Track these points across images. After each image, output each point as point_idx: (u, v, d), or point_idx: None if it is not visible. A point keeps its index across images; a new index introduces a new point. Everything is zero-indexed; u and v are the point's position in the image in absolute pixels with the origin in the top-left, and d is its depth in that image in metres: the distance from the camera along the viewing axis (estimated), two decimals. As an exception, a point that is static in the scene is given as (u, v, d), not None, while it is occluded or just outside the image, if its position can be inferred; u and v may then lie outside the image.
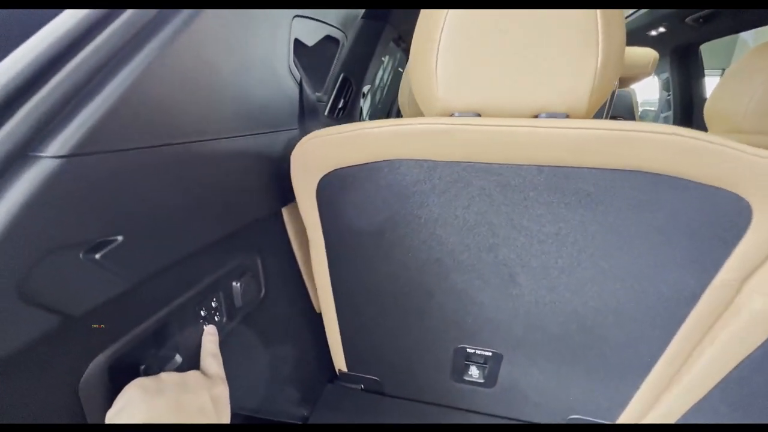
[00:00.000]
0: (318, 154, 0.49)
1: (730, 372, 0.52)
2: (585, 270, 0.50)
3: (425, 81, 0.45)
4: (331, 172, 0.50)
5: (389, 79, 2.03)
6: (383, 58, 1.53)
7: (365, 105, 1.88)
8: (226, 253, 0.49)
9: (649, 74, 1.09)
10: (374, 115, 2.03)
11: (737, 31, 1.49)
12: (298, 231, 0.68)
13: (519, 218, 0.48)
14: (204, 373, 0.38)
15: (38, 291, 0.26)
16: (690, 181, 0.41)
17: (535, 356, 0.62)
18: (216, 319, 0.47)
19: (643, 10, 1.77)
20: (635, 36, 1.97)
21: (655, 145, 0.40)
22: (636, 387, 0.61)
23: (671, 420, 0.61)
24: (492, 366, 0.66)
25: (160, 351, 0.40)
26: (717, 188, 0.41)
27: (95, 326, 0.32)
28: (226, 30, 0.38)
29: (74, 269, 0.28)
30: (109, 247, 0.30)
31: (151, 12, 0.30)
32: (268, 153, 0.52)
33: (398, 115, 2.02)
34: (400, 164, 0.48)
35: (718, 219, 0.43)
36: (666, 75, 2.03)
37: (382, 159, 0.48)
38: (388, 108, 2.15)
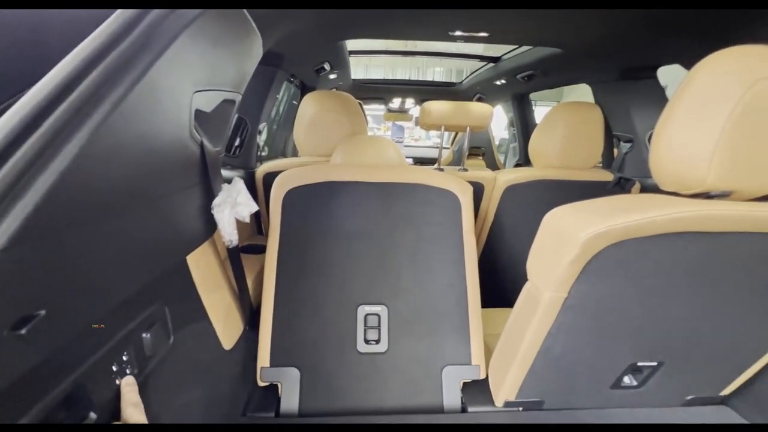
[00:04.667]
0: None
1: (542, 344, 0.76)
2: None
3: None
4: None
5: (284, 112, 2.10)
6: (277, 96, 1.62)
7: (262, 138, 1.91)
8: (136, 307, 0.52)
9: (489, 123, 1.45)
10: (272, 147, 2.07)
11: (549, 88, 2.02)
12: (203, 276, 0.73)
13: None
14: (126, 422, 0.42)
15: None
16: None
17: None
18: (128, 371, 0.50)
19: (490, 65, 2.24)
20: (488, 83, 2.47)
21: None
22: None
23: (518, 382, 0.83)
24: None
25: (74, 412, 0.42)
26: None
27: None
28: (137, 117, 0.44)
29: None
30: (33, 322, 0.33)
31: (74, 110, 0.35)
32: (176, 209, 0.57)
33: (294, 149, 2.11)
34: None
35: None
36: (511, 114, 2.58)
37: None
38: (285, 137, 2.21)
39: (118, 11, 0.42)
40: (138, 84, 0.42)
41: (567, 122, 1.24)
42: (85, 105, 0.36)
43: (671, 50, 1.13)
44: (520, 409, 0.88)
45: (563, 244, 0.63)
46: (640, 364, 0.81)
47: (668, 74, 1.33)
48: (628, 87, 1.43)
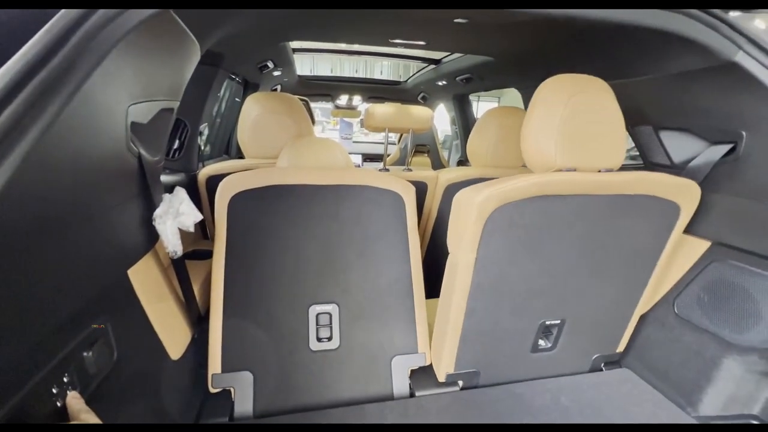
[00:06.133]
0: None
1: (467, 305, 0.87)
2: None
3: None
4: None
5: (226, 109, 2.03)
6: (219, 94, 1.56)
7: (204, 137, 1.83)
8: (76, 325, 0.51)
9: (430, 125, 1.54)
10: (214, 145, 1.99)
11: (486, 90, 2.17)
12: (146, 288, 0.71)
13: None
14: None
15: None
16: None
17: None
18: (69, 391, 0.49)
19: (431, 67, 2.34)
20: (430, 83, 2.58)
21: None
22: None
23: (454, 351, 0.93)
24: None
25: (15, 437, 0.41)
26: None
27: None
28: (71, 135, 0.43)
29: None
30: None
31: (3, 134, 0.35)
32: (115, 223, 0.56)
33: (238, 146, 2.04)
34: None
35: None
36: (453, 113, 2.72)
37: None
38: (228, 136, 2.13)
39: (48, 26, 0.41)
40: (71, 102, 0.41)
41: (497, 126, 1.36)
42: (16, 127, 0.36)
43: (580, 65, 1.29)
44: (460, 383, 0.98)
45: (466, 212, 0.79)
46: (548, 322, 0.97)
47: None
48: (551, 93, 1.59)
